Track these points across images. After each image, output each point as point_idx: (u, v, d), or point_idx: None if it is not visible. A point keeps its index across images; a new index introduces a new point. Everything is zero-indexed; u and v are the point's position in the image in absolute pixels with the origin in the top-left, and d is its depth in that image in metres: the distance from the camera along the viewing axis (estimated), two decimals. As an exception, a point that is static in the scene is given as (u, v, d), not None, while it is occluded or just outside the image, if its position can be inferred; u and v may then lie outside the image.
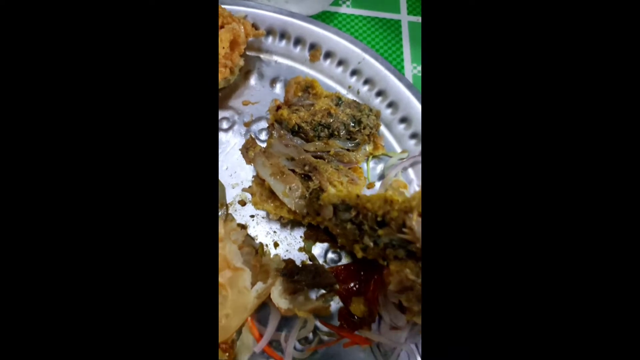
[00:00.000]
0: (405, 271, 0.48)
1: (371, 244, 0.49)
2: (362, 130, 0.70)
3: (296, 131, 0.67)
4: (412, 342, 0.63)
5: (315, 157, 0.66)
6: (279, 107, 0.72)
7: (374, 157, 0.76)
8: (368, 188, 0.71)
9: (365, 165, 0.74)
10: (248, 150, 0.62)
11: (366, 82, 0.80)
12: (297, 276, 0.64)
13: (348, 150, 0.67)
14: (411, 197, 0.45)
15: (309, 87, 0.72)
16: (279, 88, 0.80)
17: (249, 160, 0.61)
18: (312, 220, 0.59)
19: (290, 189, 0.58)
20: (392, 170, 0.74)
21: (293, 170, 0.61)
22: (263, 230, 0.69)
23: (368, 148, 0.75)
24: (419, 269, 0.46)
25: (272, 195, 0.59)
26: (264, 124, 0.77)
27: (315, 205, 0.60)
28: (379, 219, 0.48)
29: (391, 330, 0.65)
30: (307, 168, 0.60)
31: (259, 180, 0.59)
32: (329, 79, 0.81)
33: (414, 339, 0.63)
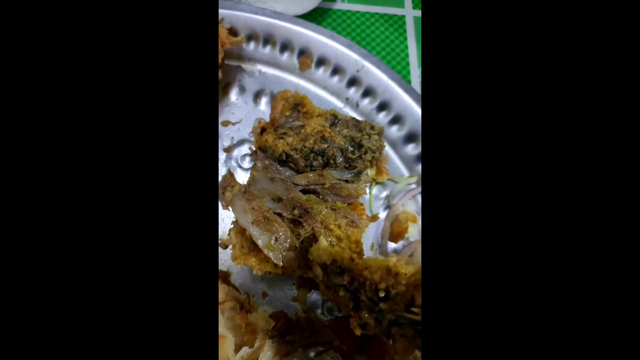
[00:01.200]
0: (415, 354, 0.38)
1: (372, 321, 0.39)
2: (363, 156, 0.58)
3: (284, 160, 0.56)
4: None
5: (308, 191, 0.56)
6: (263, 129, 0.61)
7: (378, 183, 0.65)
8: (371, 221, 0.60)
9: (367, 193, 0.63)
10: (225, 190, 0.51)
11: (366, 93, 0.68)
12: (289, 336, 0.55)
13: (347, 181, 0.56)
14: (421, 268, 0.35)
15: (298, 105, 0.60)
16: (264, 103, 0.69)
17: (225, 205, 0.51)
18: (304, 274, 0.49)
19: (276, 239, 0.47)
20: (398, 198, 0.63)
21: (280, 214, 0.50)
22: (249, 277, 0.59)
23: (370, 173, 0.64)
24: None
25: (255, 246, 0.48)
26: (247, 147, 0.66)
27: (308, 257, 0.49)
28: (380, 292, 0.38)
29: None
30: (296, 212, 0.50)
31: (238, 228, 0.49)
32: (322, 90, 0.70)
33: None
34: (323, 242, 0.44)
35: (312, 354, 0.56)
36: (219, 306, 0.53)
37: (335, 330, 0.58)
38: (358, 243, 0.51)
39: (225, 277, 0.57)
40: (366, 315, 0.40)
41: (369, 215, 0.62)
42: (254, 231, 0.47)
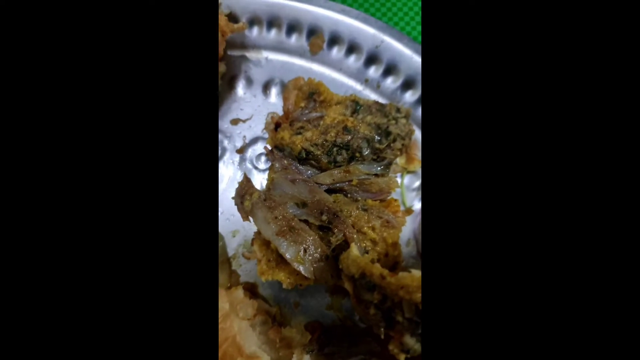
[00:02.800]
0: None
1: (416, 345, 0.34)
2: (392, 145, 0.52)
3: (305, 158, 0.50)
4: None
5: (334, 190, 0.50)
6: (277, 125, 0.55)
7: (409, 172, 0.58)
8: (407, 215, 0.54)
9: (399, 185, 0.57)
10: (243, 199, 0.46)
11: (388, 71, 0.60)
12: (328, 348, 0.51)
13: (376, 175, 0.50)
14: None
15: (313, 94, 0.54)
16: (274, 95, 0.62)
17: (245, 215, 0.46)
18: (339, 283, 0.44)
19: (305, 250, 0.42)
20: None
21: (306, 221, 0.45)
22: (277, 286, 0.55)
23: (400, 161, 0.58)
24: None
25: (282, 258, 0.43)
26: (261, 146, 0.60)
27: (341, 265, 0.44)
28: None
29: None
30: (325, 217, 0.44)
31: (262, 240, 0.44)
32: (338, 73, 0.62)
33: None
34: (354, 250, 0.39)
35: (354, 364, 0.52)
36: (250, 321, 0.50)
37: (377, 336, 0.54)
38: (396, 245, 0.45)
39: (253, 289, 0.53)
40: (409, 338, 0.35)
41: (403, 209, 0.56)
42: (280, 243, 0.42)
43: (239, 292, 0.49)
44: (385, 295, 0.36)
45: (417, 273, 0.35)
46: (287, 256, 0.42)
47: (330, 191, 0.50)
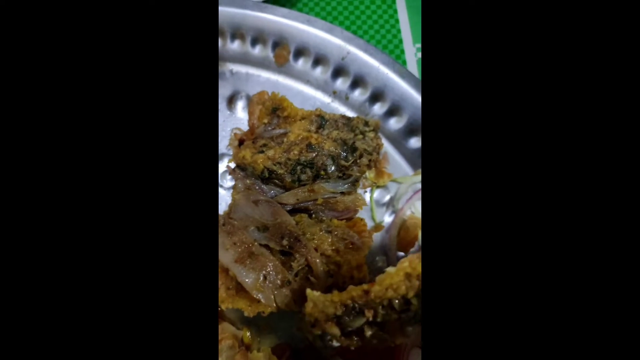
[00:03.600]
0: None
1: (418, 328, 0.36)
2: (358, 161, 0.51)
3: (268, 178, 0.49)
4: None
5: (299, 209, 0.48)
6: (241, 142, 0.53)
7: (379, 187, 0.57)
8: (376, 231, 0.53)
9: (368, 199, 0.56)
10: None
11: (356, 83, 0.59)
12: (296, 372, 0.49)
13: (342, 193, 0.49)
14: None
15: (277, 109, 0.52)
16: (240, 109, 0.60)
17: None
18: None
19: (265, 277, 0.41)
20: (404, 201, 0.56)
21: (267, 246, 0.43)
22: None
23: (369, 175, 0.57)
24: None
25: (242, 287, 0.42)
26: (226, 164, 0.58)
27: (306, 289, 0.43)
28: (413, 299, 0.36)
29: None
30: (285, 242, 0.43)
31: (221, 266, 0.42)
32: (305, 85, 0.61)
33: None
34: (312, 294, 0.37)
35: (324, 386, 0.51)
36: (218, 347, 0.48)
37: (349, 356, 0.53)
38: (361, 268, 0.44)
39: (219, 312, 0.52)
40: (410, 329, 0.36)
41: (372, 224, 0.55)
42: (239, 271, 0.40)
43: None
44: (375, 308, 0.36)
45: (391, 269, 0.37)
46: (247, 284, 0.40)
47: (294, 210, 0.49)
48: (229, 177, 0.57)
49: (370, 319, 0.36)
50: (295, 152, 0.49)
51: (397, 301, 0.36)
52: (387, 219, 0.56)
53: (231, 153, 0.57)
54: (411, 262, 0.37)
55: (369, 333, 0.37)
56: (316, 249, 0.43)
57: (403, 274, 0.36)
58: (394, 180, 0.57)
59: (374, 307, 0.36)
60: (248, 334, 0.52)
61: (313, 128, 0.52)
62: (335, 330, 0.38)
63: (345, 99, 0.60)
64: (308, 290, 0.38)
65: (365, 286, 0.37)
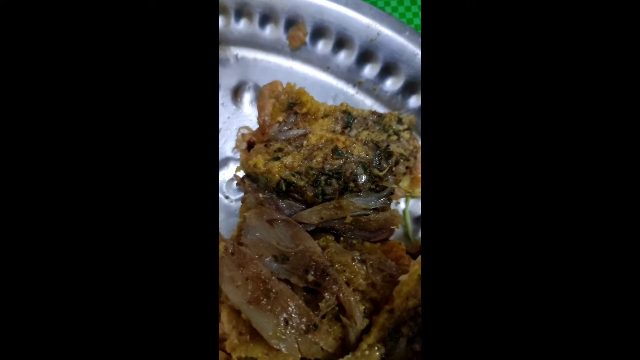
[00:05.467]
0: None
1: None
2: (394, 168, 0.42)
3: (285, 191, 0.40)
4: None
5: (323, 230, 0.40)
6: (250, 144, 0.44)
7: (414, 197, 0.48)
8: (414, 253, 0.45)
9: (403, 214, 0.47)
10: None
11: (386, 70, 0.49)
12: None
13: (376, 210, 0.40)
14: None
15: (294, 104, 0.43)
16: (247, 102, 0.51)
17: None
18: (336, 358, 0.35)
19: (286, 322, 0.33)
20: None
21: (287, 281, 0.35)
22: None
23: (402, 185, 0.48)
24: None
25: (257, 332, 0.34)
26: (233, 169, 0.49)
27: (336, 332, 0.35)
28: None
29: None
30: (311, 277, 0.34)
31: (230, 307, 0.34)
32: (324, 73, 0.51)
33: None
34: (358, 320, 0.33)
35: None
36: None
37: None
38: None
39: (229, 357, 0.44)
40: None
41: (408, 242, 0.46)
42: (253, 314, 0.32)
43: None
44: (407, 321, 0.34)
45: (404, 277, 0.35)
46: (264, 331, 0.32)
47: (318, 231, 0.40)
48: (235, 187, 0.48)
49: (411, 333, 0.34)
50: (319, 159, 0.40)
51: (420, 308, 0.34)
52: (423, 234, 0.48)
53: (238, 157, 0.48)
54: (420, 263, 0.35)
55: (417, 347, 0.34)
56: (348, 283, 0.35)
57: (417, 277, 0.34)
58: (431, 189, 0.48)
59: (405, 322, 0.34)
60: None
61: (338, 128, 0.42)
62: None
63: (372, 90, 0.50)
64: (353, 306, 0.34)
65: (387, 307, 0.35)
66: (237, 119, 0.50)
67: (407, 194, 0.47)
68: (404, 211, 0.47)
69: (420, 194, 0.47)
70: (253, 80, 0.50)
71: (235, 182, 0.48)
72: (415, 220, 0.48)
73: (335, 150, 0.40)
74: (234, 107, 0.50)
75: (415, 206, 0.48)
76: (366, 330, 0.35)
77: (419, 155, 0.47)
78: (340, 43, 0.49)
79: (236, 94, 0.50)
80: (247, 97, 0.50)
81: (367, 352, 0.33)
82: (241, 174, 0.43)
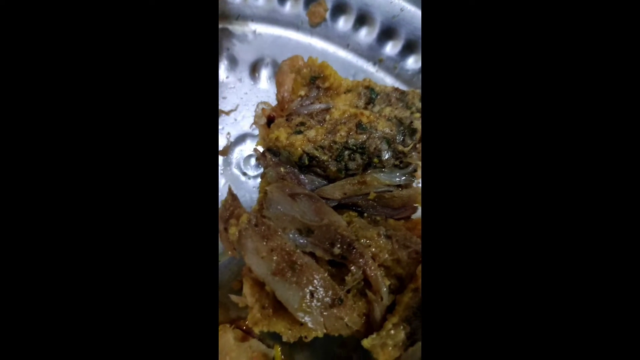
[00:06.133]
0: None
1: None
2: (417, 145, 0.41)
3: (307, 165, 0.39)
4: None
5: (345, 205, 0.39)
6: (270, 119, 0.43)
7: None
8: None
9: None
10: (228, 224, 0.35)
11: (409, 47, 0.48)
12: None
13: (399, 186, 0.39)
14: None
15: (316, 78, 0.41)
16: (265, 78, 0.50)
17: (230, 246, 0.35)
18: (360, 335, 0.34)
19: (312, 294, 0.32)
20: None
21: (312, 254, 0.34)
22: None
23: (424, 164, 0.47)
24: None
25: (281, 303, 0.33)
26: (251, 146, 0.48)
27: (361, 308, 0.34)
28: None
29: None
30: (337, 250, 0.33)
31: (254, 279, 0.33)
32: (344, 50, 0.50)
33: None
34: (383, 291, 0.32)
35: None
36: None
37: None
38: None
39: (247, 327, 0.43)
40: None
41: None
42: (278, 286, 0.31)
43: (228, 337, 0.39)
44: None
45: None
46: (289, 303, 0.31)
47: (340, 207, 0.39)
48: (253, 162, 0.47)
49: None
50: (342, 133, 0.39)
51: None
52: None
53: (256, 134, 0.47)
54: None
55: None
56: (373, 258, 0.34)
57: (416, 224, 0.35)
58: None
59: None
60: (280, 351, 0.44)
61: (361, 103, 0.41)
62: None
63: (393, 69, 0.49)
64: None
65: (412, 285, 0.34)
66: (254, 95, 0.49)
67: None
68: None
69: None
70: (271, 56, 0.49)
71: (254, 158, 0.47)
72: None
73: (359, 125, 0.39)
74: (252, 83, 0.49)
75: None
76: (390, 309, 0.34)
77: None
78: (362, 19, 0.48)
79: (254, 69, 0.49)
80: (265, 73, 0.49)
81: (392, 332, 0.33)
82: (261, 149, 0.42)
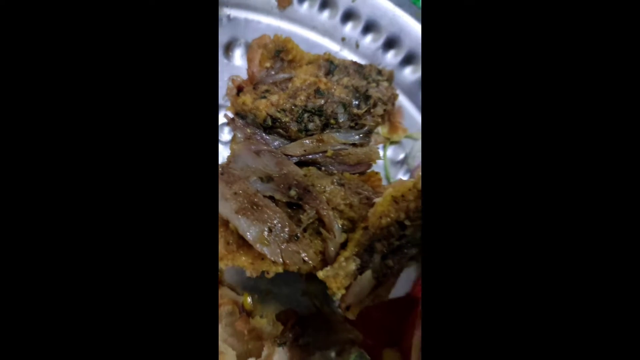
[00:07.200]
0: None
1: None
2: (372, 110, 0.45)
3: (271, 126, 0.43)
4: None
5: (306, 163, 0.43)
6: (240, 89, 0.48)
7: (393, 143, 0.52)
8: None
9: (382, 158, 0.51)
10: None
11: (368, 28, 0.53)
12: (302, 338, 0.46)
13: (354, 145, 0.44)
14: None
15: (280, 52, 0.46)
16: (238, 57, 0.54)
17: None
18: (316, 270, 0.38)
19: (270, 230, 0.36)
20: (419, 159, 0.51)
21: (272, 198, 0.38)
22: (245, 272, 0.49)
23: (382, 131, 0.52)
24: None
25: (244, 241, 0.37)
26: (223, 116, 0.53)
27: (317, 246, 0.38)
28: (406, 221, 0.37)
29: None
30: (293, 192, 0.38)
31: (219, 219, 0.38)
32: (311, 32, 0.55)
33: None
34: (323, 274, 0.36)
35: (332, 354, 0.47)
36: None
37: (358, 324, 0.49)
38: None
39: (219, 277, 0.47)
40: (412, 251, 0.37)
41: (386, 184, 0.50)
42: (240, 222, 0.36)
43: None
44: (380, 240, 0.37)
45: (379, 199, 0.37)
46: (249, 236, 0.35)
47: (301, 164, 0.43)
48: (226, 130, 0.52)
49: (385, 250, 0.37)
50: (302, 97, 0.43)
51: (393, 228, 0.37)
52: (402, 178, 0.52)
53: (228, 104, 0.52)
54: (394, 186, 0.38)
55: (390, 263, 0.37)
56: (327, 203, 0.39)
57: (390, 199, 0.37)
58: (408, 137, 0.52)
59: (379, 239, 0.36)
60: (249, 299, 0.48)
61: (321, 74, 0.46)
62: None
63: (355, 47, 0.54)
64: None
65: (362, 224, 0.37)
66: (227, 71, 0.53)
67: (387, 140, 0.51)
68: (383, 154, 0.51)
69: (401, 138, 0.51)
70: (244, 37, 0.54)
71: (226, 125, 0.52)
72: (394, 164, 0.52)
73: (317, 90, 0.44)
74: (226, 61, 0.54)
75: (394, 151, 0.52)
76: (344, 247, 0.39)
77: (398, 105, 0.51)
78: (325, 2, 0.53)
79: (228, 49, 0.54)
80: (238, 52, 0.54)
81: (344, 264, 0.37)
82: (230, 115, 0.47)
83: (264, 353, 0.43)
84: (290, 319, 0.47)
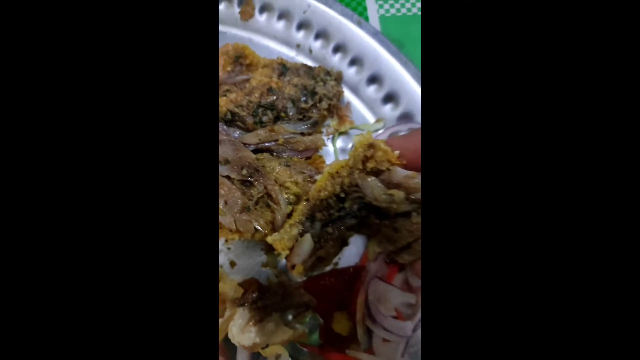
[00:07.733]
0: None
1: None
2: (318, 104, 0.53)
3: (230, 120, 0.51)
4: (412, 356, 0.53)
5: (261, 150, 0.51)
6: (206, 90, 0.56)
7: (341, 134, 0.60)
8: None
9: (331, 147, 0.59)
10: None
11: (318, 36, 0.61)
12: (261, 301, 0.53)
13: (302, 134, 0.52)
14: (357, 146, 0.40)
15: (239, 57, 0.54)
16: (207, 63, 0.62)
17: None
18: (266, 237, 0.45)
19: (225, 202, 0.44)
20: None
21: (228, 177, 0.46)
22: (215, 249, 0.56)
23: (332, 124, 0.59)
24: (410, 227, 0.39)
25: (205, 214, 0.45)
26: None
27: (267, 217, 0.46)
28: (341, 194, 0.41)
29: (385, 344, 0.54)
30: (245, 172, 0.45)
31: None
32: (270, 40, 0.63)
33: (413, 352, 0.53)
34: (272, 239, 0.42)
35: (289, 317, 0.54)
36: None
37: (311, 291, 0.56)
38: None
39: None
40: (351, 221, 0.41)
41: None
42: (200, 198, 0.43)
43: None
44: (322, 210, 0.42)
45: (319, 176, 0.42)
46: (208, 210, 0.43)
47: (257, 151, 0.51)
48: (196, 126, 0.60)
49: (324, 218, 0.41)
50: (257, 95, 0.51)
51: (331, 200, 0.41)
52: (350, 164, 0.59)
53: (198, 103, 0.60)
54: (331, 165, 0.42)
55: (329, 230, 0.42)
56: (275, 181, 0.46)
57: (327, 175, 0.41)
58: (355, 128, 0.60)
59: (320, 210, 0.41)
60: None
61: (275, 75, 0.54)
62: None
63: (309, 52, 0.63)
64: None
65: (304, 197, 0.43)
66: (198, 75, 0.61)
67: (336, 131, 0.59)
68: (333, 144, 0.59)
69: (347, 129, 0.59)
70: (212, 45, 0.62)
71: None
72: (343, 151, 0.59)
73: (270, 89, 0.52)
74: (196, 66, 0.62)
75: (344, 141, 0.60)
76: (290, 217, 0.46)
77: (345, 100, 0.59)
78: (281, 15, 0.61)
79: (198, 56, 0.62)
80: (207, 58, 0.62)
81: (288, 229, 0.44)
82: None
83: (227, 313, 0.50)
84: (251, 286, 0.54)
